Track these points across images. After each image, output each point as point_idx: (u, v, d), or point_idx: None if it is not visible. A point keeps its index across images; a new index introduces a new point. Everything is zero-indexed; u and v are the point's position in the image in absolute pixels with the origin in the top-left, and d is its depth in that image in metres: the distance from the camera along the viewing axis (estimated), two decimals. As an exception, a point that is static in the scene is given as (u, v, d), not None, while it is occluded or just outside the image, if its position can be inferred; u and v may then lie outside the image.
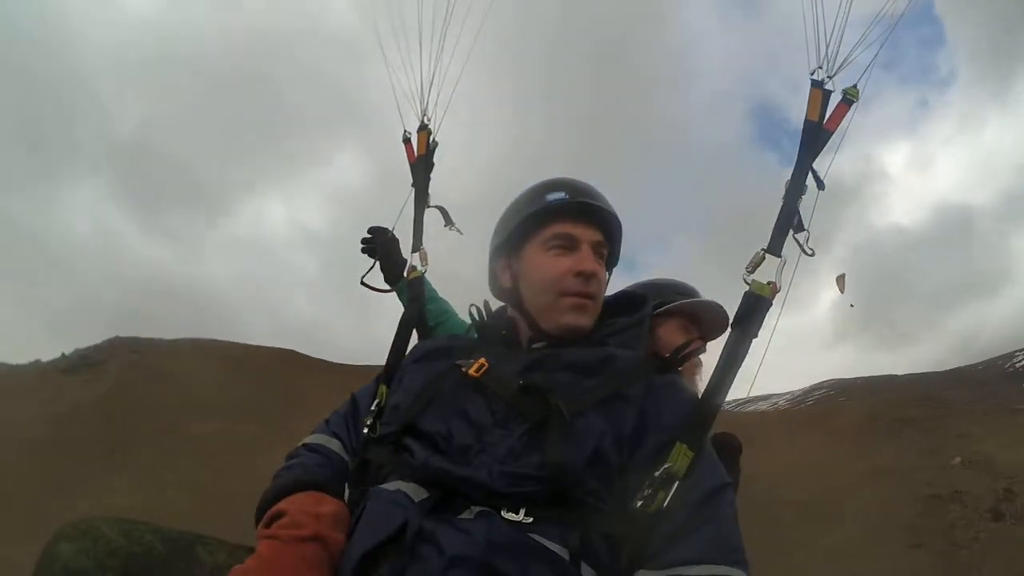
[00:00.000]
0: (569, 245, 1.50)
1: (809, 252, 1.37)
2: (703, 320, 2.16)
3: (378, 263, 2.21)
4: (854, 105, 1.34)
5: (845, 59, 1.31)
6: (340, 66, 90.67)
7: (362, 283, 2.09)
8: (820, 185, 1.39)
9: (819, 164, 1.40)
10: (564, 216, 1.52)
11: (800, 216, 1.39)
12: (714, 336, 2.11)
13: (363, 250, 2.25)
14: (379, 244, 2.21)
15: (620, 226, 1.61)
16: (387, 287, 2.21)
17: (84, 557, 1.14)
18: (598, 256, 1.53)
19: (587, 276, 1.47)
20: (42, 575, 1.12)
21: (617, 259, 1.66)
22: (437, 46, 1.90)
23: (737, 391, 1.39)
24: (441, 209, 1.94)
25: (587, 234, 1.52)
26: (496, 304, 1.69)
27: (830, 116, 1.36)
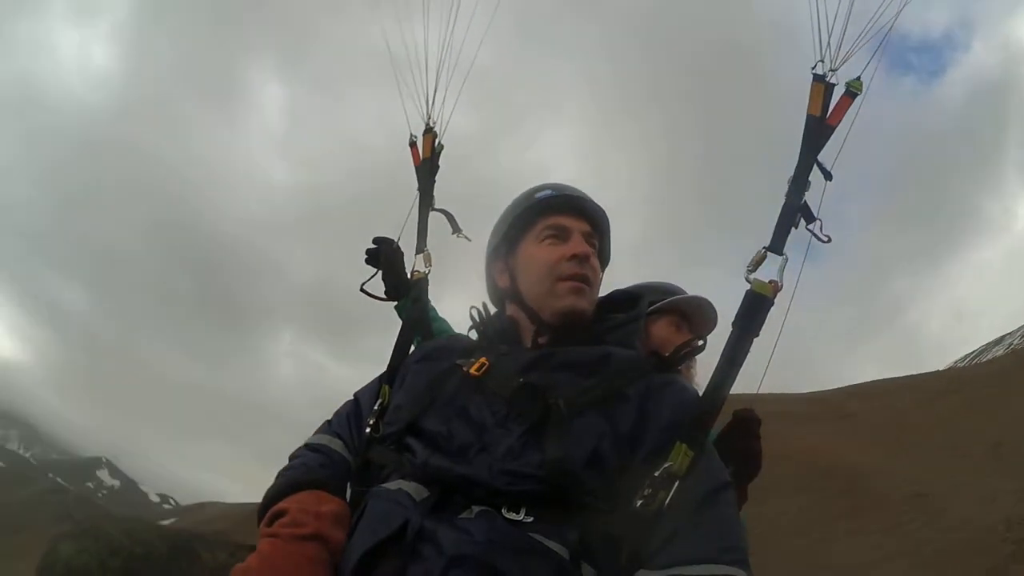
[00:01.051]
0: (561, 235, 1.55)
1: (824, 239, 1.37)
2: (691, 316, 2.17)
3: (381, 274, 2.12)
4: (858, 98, 1.33)
5: (848, 52, 1.29)
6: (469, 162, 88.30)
7: (361, 290, 2.04)
8: (827, 176, 1.38)
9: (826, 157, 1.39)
10: (554, 210, 1.58)
11: (808, 206, 1.38)
12: (705, 331, 2.13)
13: (367, 260, 2.16)
14: (383, 255, 2.13)
15: (607, 221, 1.64)
16: (384, 297, 2.12)
17: (85, 555, 1.15)
18: (589, 245, 1.57)
19: (581, 259, 1.51)
20: (44, 574, 1.13)
21: (608, 256, 1.69)
22: (443, 46, 1.90)
23: (741, 387, 1.39)
24: (446, 214, 1.96)
25: (577, 224, 1.57)
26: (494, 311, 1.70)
27: (833, 110, 1.34)
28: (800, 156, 1.36)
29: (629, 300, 1.68)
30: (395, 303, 2.13)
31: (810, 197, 1.39)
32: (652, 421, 1.28)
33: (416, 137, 1.99)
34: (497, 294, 1.67)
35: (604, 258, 1.66)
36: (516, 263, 1.59)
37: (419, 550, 1.13)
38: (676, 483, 1.18)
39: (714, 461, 1.28)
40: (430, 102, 1.94)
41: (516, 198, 1.66)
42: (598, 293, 1.60)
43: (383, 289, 2.11)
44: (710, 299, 2.23)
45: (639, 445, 1.26)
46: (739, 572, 1.13)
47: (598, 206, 1.62)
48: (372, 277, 2.08)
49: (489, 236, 1.70)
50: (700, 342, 1.53)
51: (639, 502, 1.18)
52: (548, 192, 1.61)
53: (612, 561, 1.16)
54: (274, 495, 1.35)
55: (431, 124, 1.95)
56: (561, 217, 1.57)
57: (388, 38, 1.96)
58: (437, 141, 1.96)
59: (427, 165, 1.95)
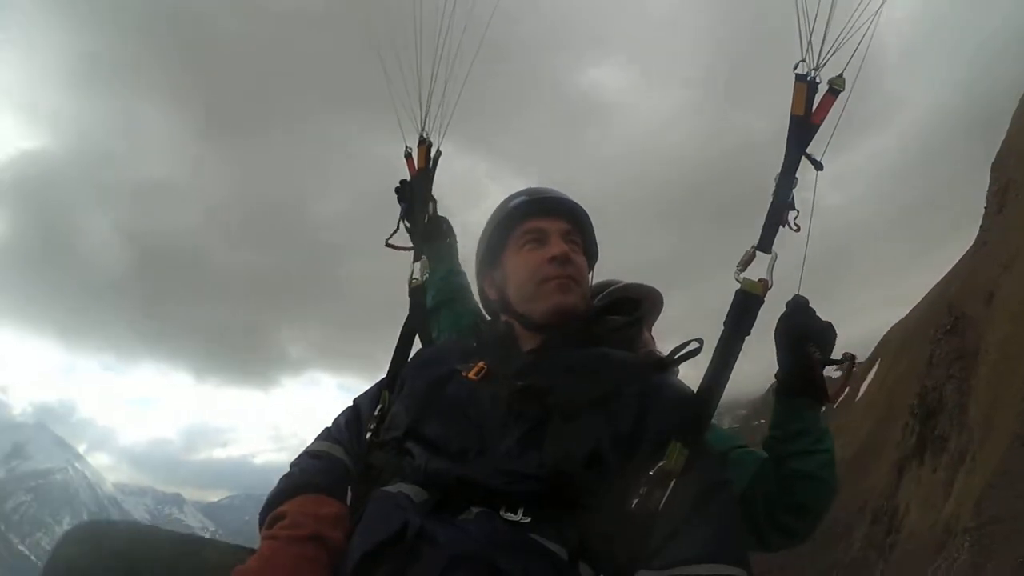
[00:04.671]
0: (539, 238, 1.56)
1: (794, 228, 1.39)
2: (648, 306, 2.15)
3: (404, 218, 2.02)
4: (840, 95, 1.34)
5: (830, 51, 1.30)
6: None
7: (387, 244, 1.99)
8: (818, 166, 1.39)
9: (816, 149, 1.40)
10: (529, 216, 1.59)
11: (792, 199, 1.39)
12: (654, 317, 2.12)
13: (398, 197, 2.05)
14: (410, 186, 2.01)
15: (587, 216, 1.65)
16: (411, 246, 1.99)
17: (89, 559, 1.18)
18: (570, 243, 1.58)
19: (561, 260, 1.52)
20: (48, 576, 1.16)
21: (596, 252, 1.69)
22: (436, 58, 1.93)
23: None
24: (444, 221, 2.01)
25: (553, 225, 1.58)
26: None
27: (817, 108, 1.35)
28: (786, 155, 1.37)
29: (629, 303, 1.69)
30: (414, 279, 1.89)
31: (799, 192, 1.40)
32: (649, 421, 1.29)
33: (411, 149, 2.03)
34: (490, 307, 1.70)
35: (590, 253, 1.67)
36: (502, 275, 1.61)
37: (419, 551, 1.15)
38: (672, 482, 1.19)
39: (711, 460, 1.29)
40: (424, 114, 1.98)
41: (494, 211, 1.68)
42: (587, 288, 1.61)
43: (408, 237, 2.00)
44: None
45: (637, 445, 1.26)
46: (739, 571, 1.13)
47: (575, 203, 1.63)
48: (397, 229, 2.01)
49: (475, 252, 1.73)
50: (696, 344, 1.53)
51: (635, 501, 1.19)
52: (521, 199, 1.62)
53: (611, 561, 1.16)
54: (274, 499, 1.37)
55: (425, 135, 1.99)
56: (537, 221, 1.58)
57: (381, 51, 2.00)
58: (434, 149, 1.99)
59: (423, 175, 1.99)
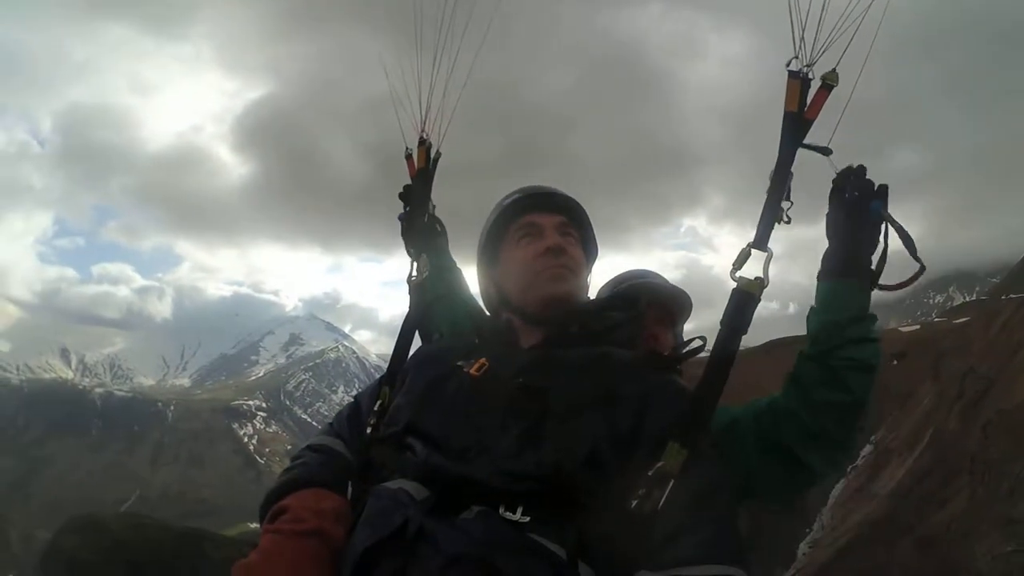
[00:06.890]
0: (534, 232, 1.58)
1: (786, 220, 1.38)
2: (670, 306, 2.12)
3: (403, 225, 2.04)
4: (834, 90, 1.33)
5: (823, 47, 1.29)
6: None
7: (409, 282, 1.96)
8: (826, 152, 1.38)
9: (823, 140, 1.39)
10: (523, 211, 1.61)
11: (788, 189, 1.38)
12: (684, 319, 2.11)
13: (400, 216, 2.08)
14: (410, 189, 2.04)
15: (583, 210, 1.66)
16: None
17: (88, 551, 1.19)
18: (566, 236, 1.59)
19: (556, 251, 1.53)
20: (48, 566, 1.17)
21: (595, 247, 1.70)
22: (436, 58, 1.95)
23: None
24: (440, 224, 2.03)
25: (548, 219, 1.59)
26: None
27: (810, 104, 1.35)
28: (780, 152, 1.37)
29: (628, 301, 1.70)
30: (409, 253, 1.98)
31: (795, 185, 1.39)
32: (648, 421, 1.29)
33: (411, 150, 2.06)
34: (491, 304, 1.71)
35: (589, 248, 1.68)
36: (500, 272, 1.63)
37: (419, 549, 1.15)
38: (671, 483, 1.19)
39: (710, 460, 1.28)
40: (424, 115, 2.00)
41: (491, 210, 1.70)
42: (584, 280, 1.62)
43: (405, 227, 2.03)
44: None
45: (636, 445, 1.26)
46: (738, 572, 1.13)
47: (570, 197, 1.65)
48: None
49: (476, 251, 1.74)
50: (699, 342, 1.53)
51: (634, 502, 1.18)
52: (515, 196, 1.65)
53: (610, 561, 1.16)
54: (276, 493, 1.38)
55: (425, 136, 2.02)
56: (531, 215, 1.60)
57: (382, 54, 2.02)
58: (435, 150, 2.01)
59: (422, 175, 2.02)
